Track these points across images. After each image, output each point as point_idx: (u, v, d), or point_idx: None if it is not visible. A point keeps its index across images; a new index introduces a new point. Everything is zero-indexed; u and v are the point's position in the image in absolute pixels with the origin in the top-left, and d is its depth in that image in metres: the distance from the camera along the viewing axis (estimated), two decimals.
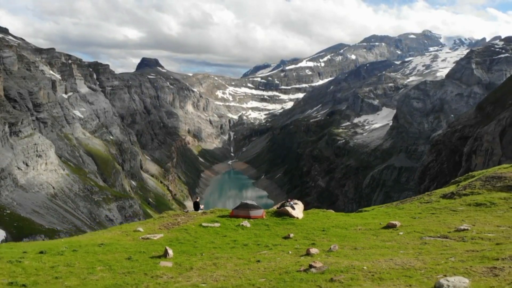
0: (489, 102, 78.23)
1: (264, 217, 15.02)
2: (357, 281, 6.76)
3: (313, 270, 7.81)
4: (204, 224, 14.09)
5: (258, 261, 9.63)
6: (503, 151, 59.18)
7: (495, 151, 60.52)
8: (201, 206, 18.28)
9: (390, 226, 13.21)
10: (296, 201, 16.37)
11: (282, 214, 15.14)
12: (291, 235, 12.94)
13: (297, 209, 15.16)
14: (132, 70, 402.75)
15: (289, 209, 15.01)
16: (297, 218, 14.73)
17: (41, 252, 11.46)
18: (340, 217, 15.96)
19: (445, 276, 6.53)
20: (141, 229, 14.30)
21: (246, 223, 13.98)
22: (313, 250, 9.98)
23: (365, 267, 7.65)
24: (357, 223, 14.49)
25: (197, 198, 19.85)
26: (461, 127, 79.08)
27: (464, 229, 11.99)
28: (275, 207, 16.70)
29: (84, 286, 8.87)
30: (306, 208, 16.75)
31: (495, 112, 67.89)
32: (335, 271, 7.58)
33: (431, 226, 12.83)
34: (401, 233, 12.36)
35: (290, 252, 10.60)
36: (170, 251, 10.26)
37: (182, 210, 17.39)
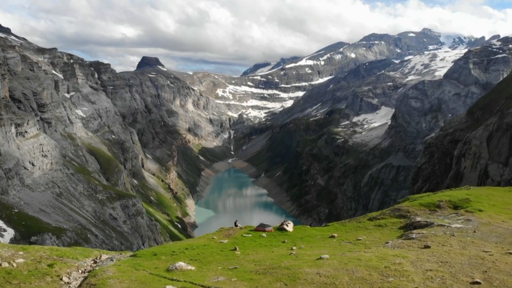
0: (478, 108, 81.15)
1: (272, 231, 24.66)
2: (303, 257, 16.62)
3: (292, 254, 17.75)
4: (244, 234, 23.90)
5: (272, 251, 19.50)
6: (490, 155, 62.05)
7: (482, 155, 63.40)
8: (238, 224, 28.39)
9: (332, 236, 22.69)
10: (289, 221, 26.34)
11: (281, 229, 24.93)
12: (286, 241, 22.40)
13: (290, 226, 25.27)
14: (130, 68, 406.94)
15: (285, 226, 25.07)
16: (290, 231, 24.62)
17: (186, 249, 20.43)
18: (312, 230, 25.89)
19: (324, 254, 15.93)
20: (215, 237, 23.86)
21: (264, 234, 23.82)
22: (294, 248, 20.00)
23: (308, 253, 17.46)
24: (318, 234, 24.31)
25: (236, 220, 30.00)
26: (452, 131, 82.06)
27: (359, 239, 20.91)
28: (277, 225, 26.18)
29: (227, 258, 18.02)
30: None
31: (484, 117, 70.69)
32: (299, 254, 17.54)
33: (349, 237, 22.33)
34: (334, 240, 21.70)
35: (285, 248, 20.32)
36: (237, 248, 20.21)
37: (230, 227, 27.14)
